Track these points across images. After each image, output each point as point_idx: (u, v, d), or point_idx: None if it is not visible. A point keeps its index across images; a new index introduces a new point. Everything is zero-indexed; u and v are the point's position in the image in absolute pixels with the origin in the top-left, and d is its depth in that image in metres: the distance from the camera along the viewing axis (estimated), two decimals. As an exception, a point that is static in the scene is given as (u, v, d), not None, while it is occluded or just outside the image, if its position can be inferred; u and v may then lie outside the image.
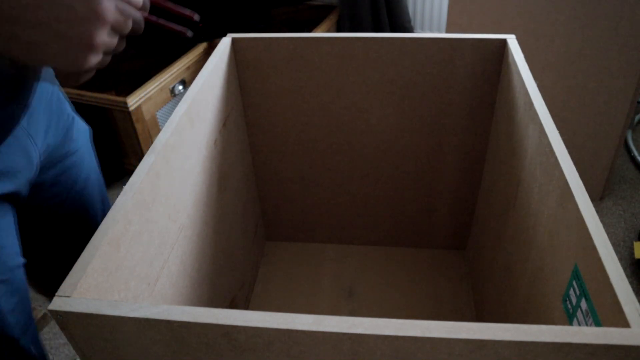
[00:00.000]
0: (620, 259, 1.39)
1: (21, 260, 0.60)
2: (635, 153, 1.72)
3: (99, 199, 0.77)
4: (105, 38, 0.42)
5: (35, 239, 0.71)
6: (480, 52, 0.75)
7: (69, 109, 0.70)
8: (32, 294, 0.66)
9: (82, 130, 0.72)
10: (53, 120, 0.64)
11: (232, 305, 0.83)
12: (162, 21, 0.53)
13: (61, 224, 0.72)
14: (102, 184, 0.78)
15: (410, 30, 2.07)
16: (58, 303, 0.40)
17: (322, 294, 0.94)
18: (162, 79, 1.61)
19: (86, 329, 0.41)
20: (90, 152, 0.75)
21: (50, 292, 0.75)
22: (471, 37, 0.74)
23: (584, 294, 0.43)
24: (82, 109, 1.58)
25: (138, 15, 0.46)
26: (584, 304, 0.43)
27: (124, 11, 0.44)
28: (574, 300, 0.45)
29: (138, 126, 1.63)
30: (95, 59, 0.42)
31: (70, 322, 0.40)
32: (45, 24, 0.39)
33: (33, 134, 0.59)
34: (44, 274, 0.76)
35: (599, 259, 0.41)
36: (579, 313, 0.44)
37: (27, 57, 0.41)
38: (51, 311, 0.40)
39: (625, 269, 1.37)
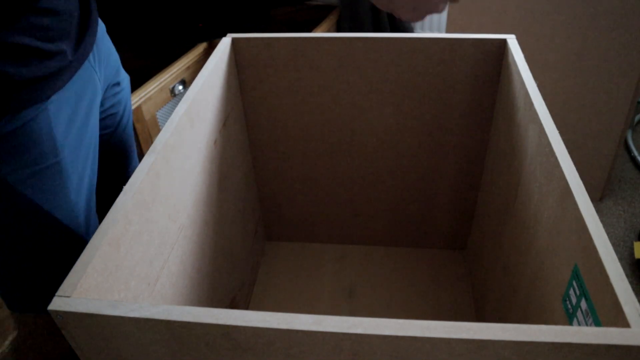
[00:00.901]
0: (620, 259, 1.39)
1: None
2: (635, 153, 1.72)
3: (133, 142, 0.87)
4: None
5: None
6: (480, 52, 0.75)
7: (116, 54, 0.79)
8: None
9: (123, 74, 0.81)
10: (108, 53, 0.74)
11: (232, 305, 0.83)
12: None
13: (108, 158, 0.80)
14: (132, 128, 0.88)
15: (410, 30, 2.07)
16: (58, 303, 0.40)
17: (322, 294, 0.94)
18: (162, 79, 1.61)
19: (86, 329, 0.41)
20: (129, 96, 0.84)
21: None
22: (471, 37, 0.74)
23: (584, 294, 0.43)
24: (82, 109, 1.58)
25: None
26: (584, 304, 0.43)
27: None
28: (574, 300, 0.45)
29: (138, 126, 1.63)
30: None
31: (70, 322, 0.40)
32: None
33: (95, 63, 0.69)
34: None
35: (599, 259, 0.41)
36: (579, 313, 0.44)
37: None
38: (51, 311, 0.40)
39: (625, 269, 1.37)
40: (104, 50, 0.74)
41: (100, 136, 0.76)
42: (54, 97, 0.60)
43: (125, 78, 0.81)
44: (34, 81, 0.57)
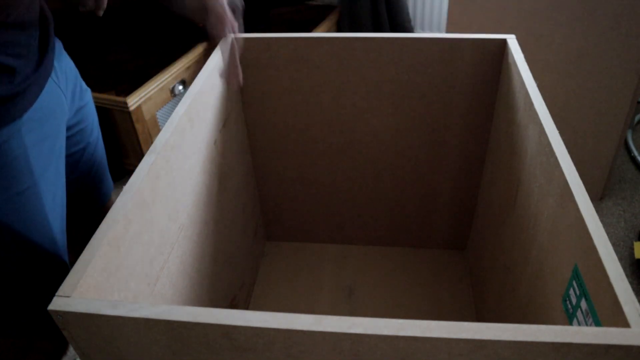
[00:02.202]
0: (620, 259, 1.39)
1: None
2: (635, 153, 1.72)
3: (105, 159, 0.85)
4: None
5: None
6: (480, 52, 0.75)
7: (75, 70, 0.77)
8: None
9: (84, 87, 0.79)
10: (68, 67, 0.73)
11: (232, 305, 0.83)
12: None
13: (81, 176, 0.79)
14: (102, 143, 0.85)
15: (410, 30, 2.07)
16: (58, 303, 0.40)
17: (322, 294, 0.94)
18: (162, 79, 1.61)
19: (86, 329, 0.41)
20: (94, 108, 0.82)
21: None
22: (471, 37, 0.74)
23: (584, 294, 0.43)
24: (82, 109, 1.58)
25: None
26: (584, 304, 0.43)
27: None
28: (574, 300, 0.45)
29: (138, 126, 1.63)
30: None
31: (70, 322, 0.40)
32: None
33: (58, 79, 0.68)
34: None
35: (599, 259, 0.41)
36: (579, 313, 0.44)
37: None
38: (51, 311, 0.40)
39: (625, 269, 1.37)
40: (64, 65, 0.72)
41: (72, 154, 0.74)
42: (25, 117, 0.58)
43: (87, 91, 0.79)
44: (4, 100, 0.55)
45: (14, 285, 0.65)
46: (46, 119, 0.63)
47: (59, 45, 0.72)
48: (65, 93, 0.69)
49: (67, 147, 0.72)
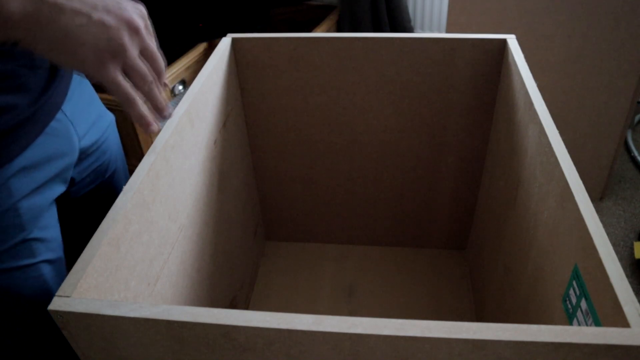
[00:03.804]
0: (620, 259, 1.39)
1: (62, 254, 0.61)
2: (635, 153, 1.72)
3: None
4: (133, 50, 0.45)
5: (73, 231, 0.70)
6: (480, 52, 0.75)
7: (97, 97, 0.70)
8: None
9: (108, 118, 0.72)
10: (88, 106, 0.65)
11: (232, 305, 0.83)
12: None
13: (95, 213, 0.71)
14: (126, 170, 0.78)
15: (410, 30, 2.07)
16: (58, 303, 0.40)
17: (322, 294, 0.94)
18: (162, 79, 1.61)
19: (86, 329, 0.41)
20: (117, 140, 0.74)
21: None
22: (471, 37, 0.74)
23: (584, 294, 0.43)
24: (82, 109, 1.58)
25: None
26: (584, 304, 0.43)
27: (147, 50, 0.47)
28: (574, 300, 0.45)
29: (138, 126, 1.63)
30: (114, 67, 0.45)
31: (70, 322, 0.40)
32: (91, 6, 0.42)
33: (74, 119, 0.60)
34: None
35: (599, 259, 0.41)
36: (579, 313, 0.44)
37: (61, 43, 0.42)
38: (51, 311, 0.40)
39: (625, 269, 1.37)
40: (85, 97, 0.63)
41: (85, 194, 0.67)
42: (16, 162, 0.50)
43: (107, 121, 0.69)
44: None
45: (10, 339, 0.59)
46: (47, 162, 0.54)
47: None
48: (77, 130, 0.60)
49: (77, 189, 0.65)
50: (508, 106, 0.71)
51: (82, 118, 0.62)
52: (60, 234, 0.60)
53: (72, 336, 0.42)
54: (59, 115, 0.57)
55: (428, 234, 0.99)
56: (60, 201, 0.62)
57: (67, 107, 0.58)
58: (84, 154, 0.64)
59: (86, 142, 0.64)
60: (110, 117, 0.73)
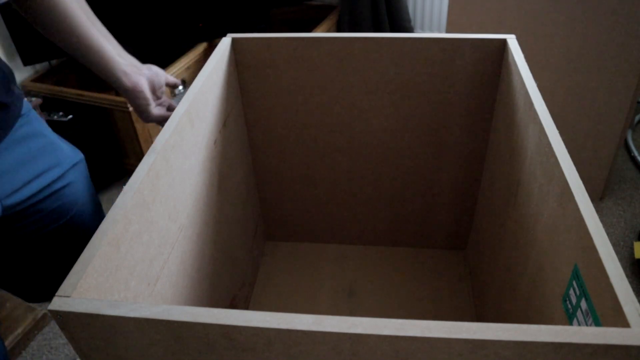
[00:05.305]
0: (620, 259, 1.39)
1: None
2: (635, 153, 1.72)
3: (92, 227, 0.77)
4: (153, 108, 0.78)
5: (13, 254, 0.72)
6: (480, 52, 0.75)
7: (50, 155, 0.71)
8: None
9: (69, 162, 0.74)
10: (21, 166, 0.66)
11: (232, 305, 0.83)
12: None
13: (43, 245, 0.73)
14: (98, 209, 0.79)
15: (410, 30, 2.07)
16: (58, 303, 0.40)
17: (322, 294, 0.94)
18: (162, 79, 1.61)
19: (86, 329, 0.41)
20: (84, 178, 0.76)
21: (31, 297, 0.76)
22: (471, 37, 0.74)
23: (584, 294, 0.43)
24: (82, 109, 1.58)
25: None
26: (584, 304, 0.43)
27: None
28: (574, 300, 0.45)
29: (138, 126, 1.63)
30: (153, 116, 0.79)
31: (70, 322, 0.40)
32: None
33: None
34: (25, 283, 0.76)
35: (599, 259, 0.41)
36: (579, 313, 0.44)
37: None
38: (51, 311, 0.40)
39: (625, 269, 1.37)
40: (19, 157, 0.64)
41: (28, 231, 0.69)
42: None
43: (54, 174, 0.70)
44: None
45: None
46: None
47: (27, 107, 0.65)
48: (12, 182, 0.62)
49: (35, 230, 0.67)
50: (508, 106, 0.71)
51: (6, 179, 0.64)
52: None
53: (71, 336, 0.42)
54: None
55: (428, 234, 0.99)
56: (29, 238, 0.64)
57: None
58: (12, 209, 0.65)
59: (14, 199, 0.66)
60: (72, 159, 0.74)
